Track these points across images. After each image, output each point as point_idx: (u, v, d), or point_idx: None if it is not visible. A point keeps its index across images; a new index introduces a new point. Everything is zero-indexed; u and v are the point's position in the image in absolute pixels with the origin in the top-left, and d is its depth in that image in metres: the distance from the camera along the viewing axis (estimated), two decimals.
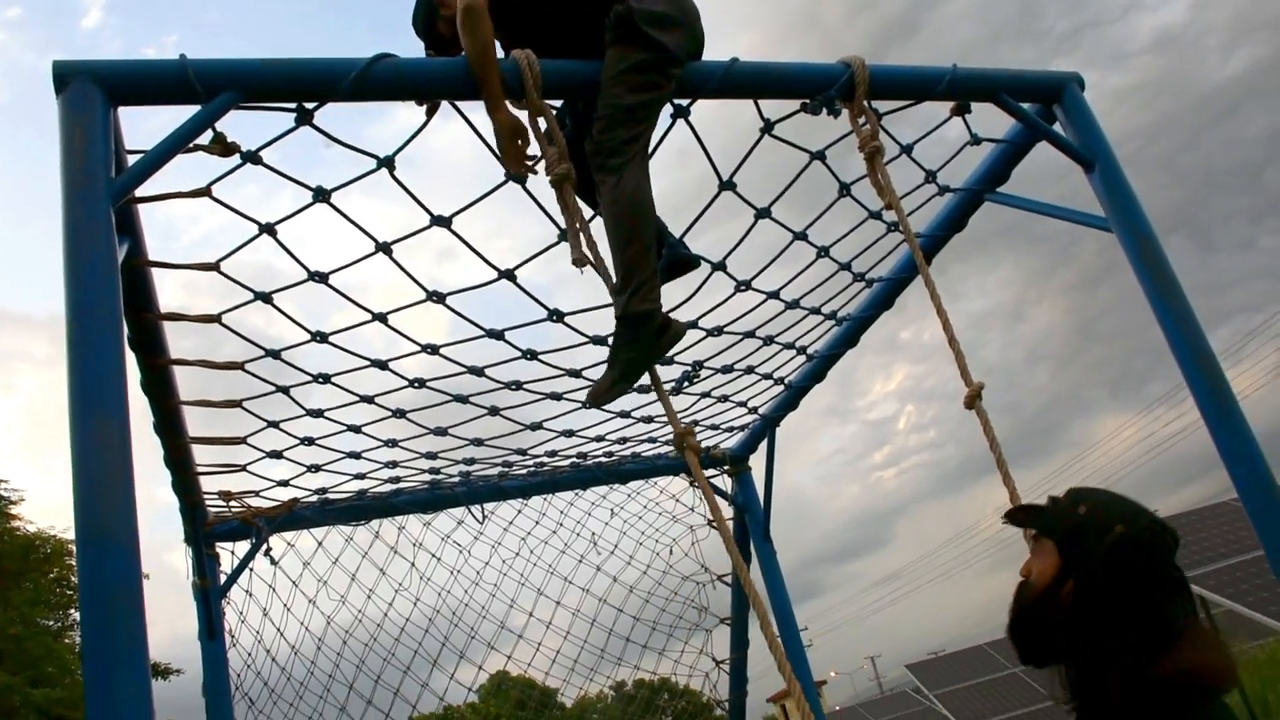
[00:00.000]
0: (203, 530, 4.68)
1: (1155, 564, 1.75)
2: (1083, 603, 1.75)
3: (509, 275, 3.40)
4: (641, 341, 2.96)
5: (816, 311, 4.44)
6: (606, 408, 4.59)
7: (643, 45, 2.89)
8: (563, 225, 3.13)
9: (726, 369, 4.63)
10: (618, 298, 2.96)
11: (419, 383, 3.92)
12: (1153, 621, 1.69)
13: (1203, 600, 9.24)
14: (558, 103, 3.18)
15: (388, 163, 2.91)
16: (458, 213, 3.13)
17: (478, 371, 3.93)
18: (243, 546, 4.94)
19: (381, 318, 3.45)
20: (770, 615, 2.44)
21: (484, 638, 5.73)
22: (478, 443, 4.69)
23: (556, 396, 4.34)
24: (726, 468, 6.10)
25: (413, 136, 2.96)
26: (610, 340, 3.24)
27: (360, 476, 4.80)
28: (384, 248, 3.14)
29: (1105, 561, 1.74)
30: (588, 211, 3.18)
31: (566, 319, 3.70)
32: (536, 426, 4.64)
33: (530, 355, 3.87)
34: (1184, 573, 1.79)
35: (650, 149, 3.04)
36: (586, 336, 3.83)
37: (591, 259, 2.97)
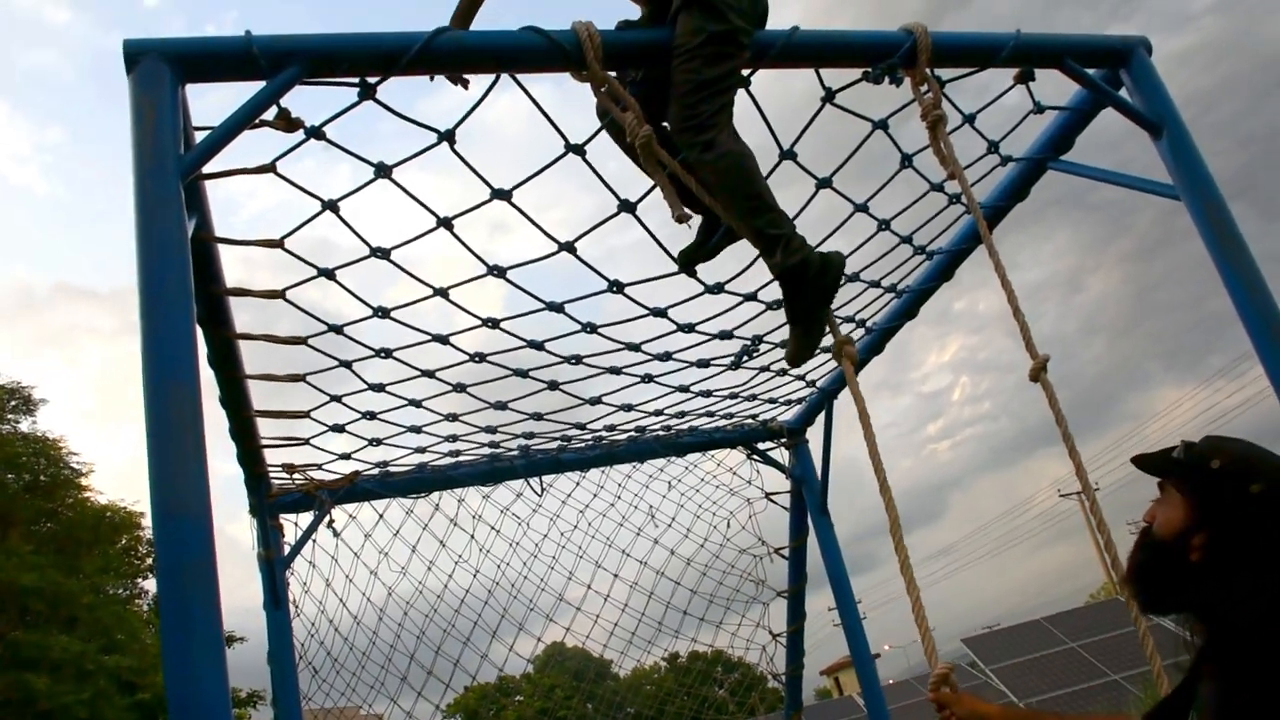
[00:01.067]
0: (267, 502, 4.77)
1: None
2: (1217, 557, 1.71)
3: (569, 247, 3.40)
4: (811, 288, 3.02)
5: (876, 285, 4.40)
6: (665, 380, 4.61)
7: (716, 15, 2.86)
8: (622, 196, 3.13)
9: (784, 344, 4.60)
10: (769, 260, 3.01)
11: (479, 357, 3.94)
12: None
13: None
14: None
15: (448, 136, 2.91)
16: (517, 186, 3.12)
17: (537, 345, 3.94)
18: (306, 518, 5.03)
19: (443, 293, 3.46)
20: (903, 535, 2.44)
21: (541, 609, 5.79)
22: (537, 417, 4.72)
23: (616, 371, 4.35)
24: (784, 440, 6.07)
25: (474, 108, 2.95)
26: (783, 306, 3.28)
27: (421, 450, 4.86)
28: (445, 223, 3.15)
29: (1242, 517, 1.69)
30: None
31: (626, 289, 3.69)
32: (596, 401, 4.66)
33: (590, 328, 3.87)
34: None
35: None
36: (646, 308, 3.82)
37: (691, 213, 3.00)
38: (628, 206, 3.26)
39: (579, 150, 3.08)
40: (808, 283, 2.99)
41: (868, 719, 5.90)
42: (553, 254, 3.41)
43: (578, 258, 3.44)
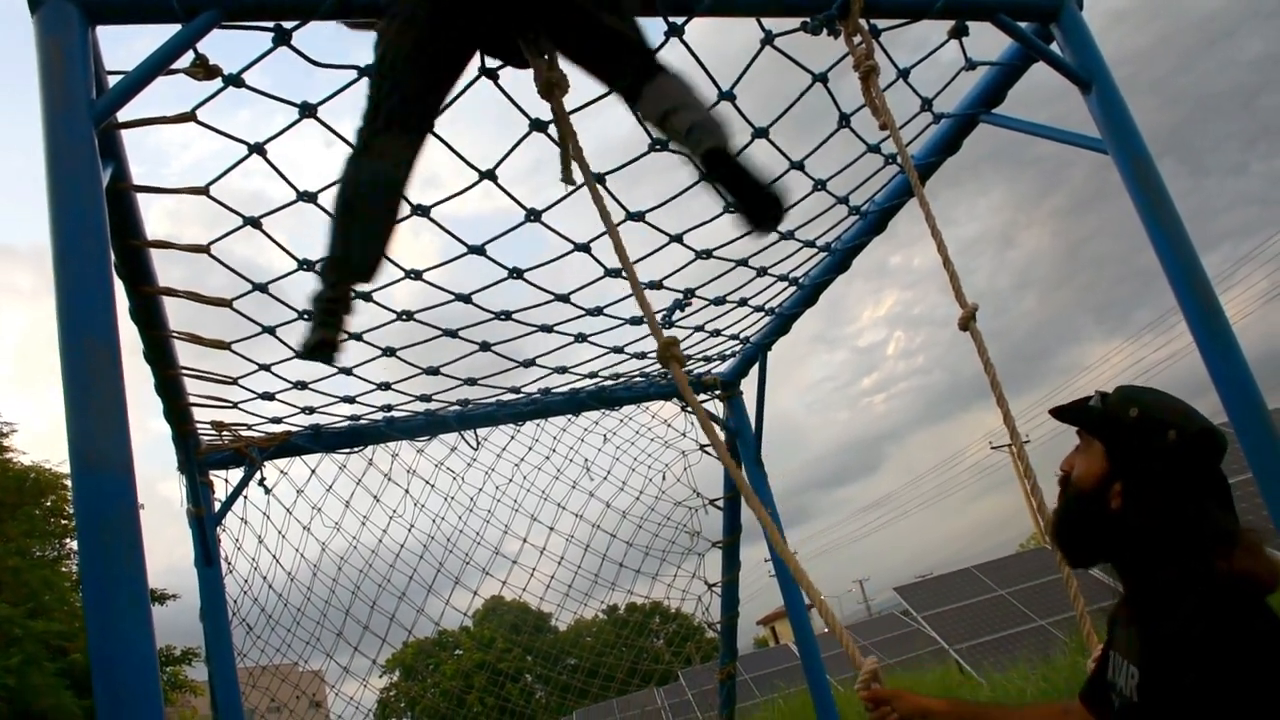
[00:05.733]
0: (195, 458, 4.68)
1: (1206, 470, 1.74)
2: (1134, 505, 1.74)
3: (490, 175, 3.35)
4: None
5: (811, 244, 4.43)
6: (599, 341, 4.57)
7: None
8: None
9: (719, 300, 4.61)
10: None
11: (407, 315, 3.88)
12: (1207, 526, 1.68)
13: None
14: None
15: (369, 72, 2.86)
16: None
17: (465, 298, 3.89)
18: (236, 474, 4.95)
19: None
20: (778, 532, 2.44)
21: (478, 563, 5.78)
22: (471, 382, 4.68)
23: (548, 329, 4.32)
24: (718, 392, 6.11)
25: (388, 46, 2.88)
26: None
27: (352, 402, 4.79)
28: None
29: (1158, 466, 1.72)
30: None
31: (544, 217, 3.62)
32: (530, 363, 4.62)
33: (516, 273, 3.83)
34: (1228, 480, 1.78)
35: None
36: (572, 243, 3.78)
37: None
38: (539, 126, 3.20)
39: (492, 74, 3.00)
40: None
41: (802, 667, 6.00)
42: (473, 185, 3.35)
43: (498, 185, 3.38)
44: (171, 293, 3.31)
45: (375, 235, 2.64)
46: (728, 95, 3.38)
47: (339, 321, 2.64)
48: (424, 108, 2.69)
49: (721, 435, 6.06)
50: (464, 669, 37.62)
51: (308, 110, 2.88)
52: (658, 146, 3.36)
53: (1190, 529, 1.68)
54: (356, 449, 5.23)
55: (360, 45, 2.80)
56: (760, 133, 3.57)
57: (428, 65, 2.63)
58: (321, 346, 2.60)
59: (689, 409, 6.00)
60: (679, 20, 3.07)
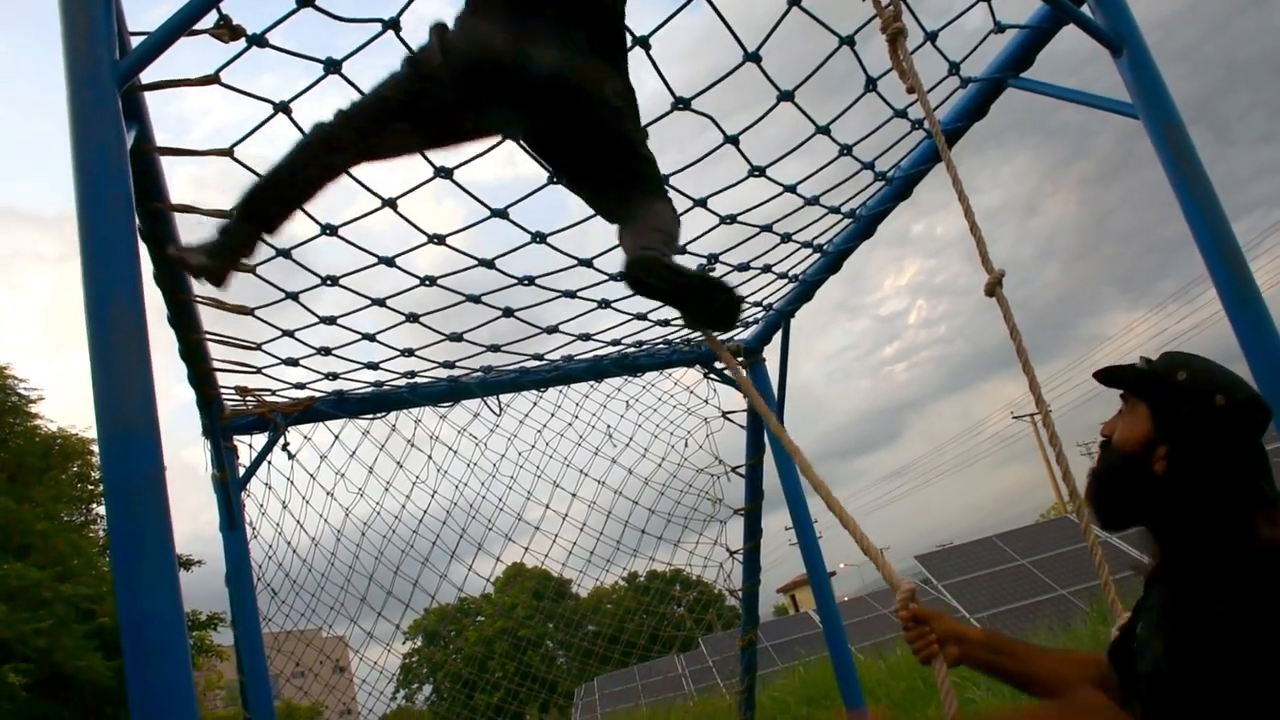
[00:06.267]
0: (220, 423, 4.71)
1: (1251, 437, 1.73)
2: (1178, 470, 1.73)
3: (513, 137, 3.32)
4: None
5: (835, 210, 4.39)
6: (621, 308, 4.56)
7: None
8: None
9: (743, 266, 4.58)
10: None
11: (429, 280, 3.88)
12: (1249, 493, 1.68)
13: None
14: None
15: (393, 24, 2.85)
16: None
17: (488, 264, 3.88)
18: (260, 439, 4.98)
19: (391, 203, 3.40)
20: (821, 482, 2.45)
21: (500, 530, 5.81)
22: (494, 349, 4.68)
23: (571, 294, 4.30)
24: (741, 359, 6.09)
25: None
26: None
27: (375, 368, 4.81)
28: None
29: (1205, 431, 1.72)
30: None
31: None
32: (553, 330, 4.61)
33: (539, 238, 3.81)
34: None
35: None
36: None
37: None
38: None
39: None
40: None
41: (823, 634, 6.02)
42: (496, 145, 3.33)
43: (522, 147, 3.35)
44: None
45: (289, 197, 2.74)
46: (753, 57, 3.35)
47: (230, 257, 2.71)
48: (399, 144, 2.74)
49: (745, 402, 6.05)
50: (486, 635, 37.99)
51: (333, 66, 2.87)
52: (680, 105, 3.33)
53: (1234, 495, 1.67)
54: (380, 415, 5.25)
55: (387, 6, 2.80)
56: (786, 95, 3.53)
57: (416, 115, 2.65)
58: (203, 272, 2.69)
59: (711, 376, 6.00)
60: None
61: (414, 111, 2.60)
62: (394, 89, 2.59)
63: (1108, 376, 1.92)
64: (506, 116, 2.75)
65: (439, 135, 2.77)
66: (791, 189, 4.00)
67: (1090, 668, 2.00)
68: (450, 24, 2.61)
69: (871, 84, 3.64)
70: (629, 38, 2.92)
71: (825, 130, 3.76)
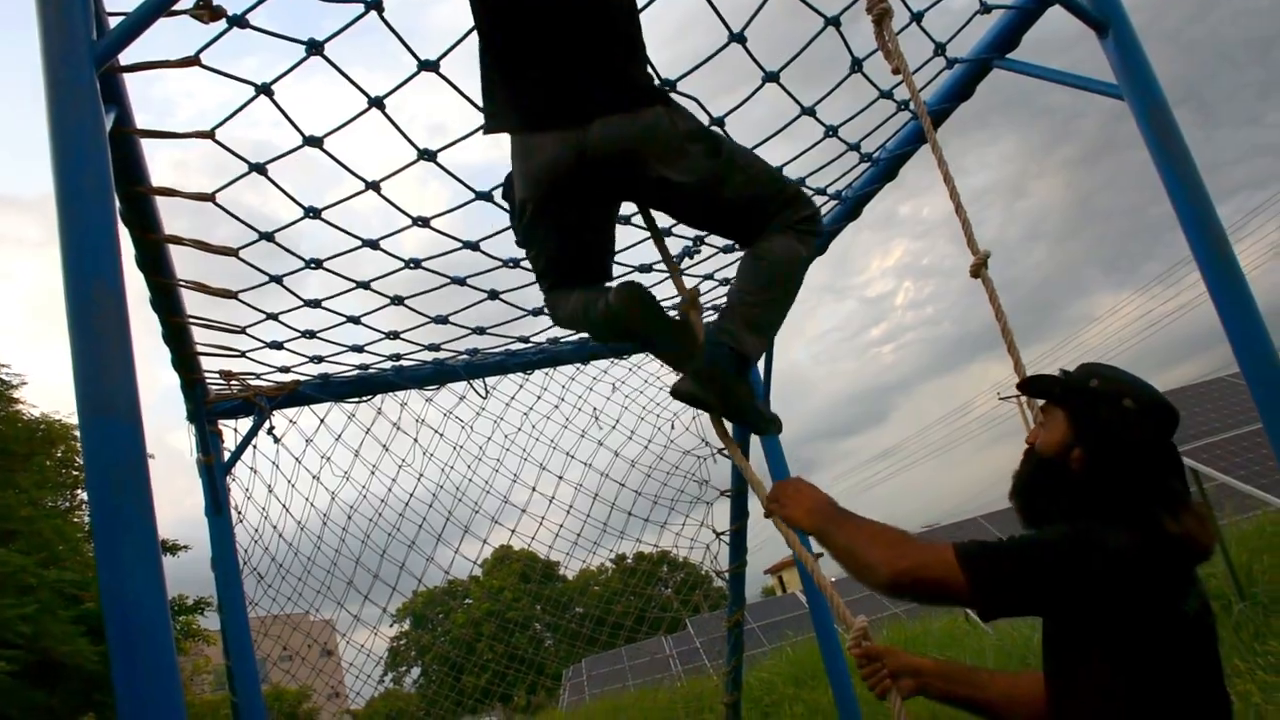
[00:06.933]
0: (204, 407, 4.69)
1: (1160, 437, 1.87)
2: (1092, 470, 1.87)
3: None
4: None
5: (821, 192, 4.38)
6: None
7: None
8: None
9: (728, 249, 4.57)
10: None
11: (414, 263, 3.87)
12: (1158, 490, 1.82)
13: (1195, 473, 9.42)
14: None
15: (375, 5, 2.83)
16: (443, 55, 3.06)
17: (473, 246, 3.87)
18: (245, 423, 4.95)
19: (375, 186, 3.38)
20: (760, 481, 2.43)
21: (487, 513, 5.80)
22: (480, 331, 4.67)
23: None
24: None
25: None
26: None
27: (360, 351, 4.79)
28: (377, 103, 3.09)
29: (1115, 432, 1.85)
30: None
31: None
32: (538, 312, 4.60)
33: None
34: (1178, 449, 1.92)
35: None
36: None
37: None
38: None
39: None
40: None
41: (809, 615, 6.05)
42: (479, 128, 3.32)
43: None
44: (178, 240, 3.29)
45: (663, 330, 2.61)
46: (738, 37, 3.34)
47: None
48: (578, 263, 2.75)
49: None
50: (474, 617, 38.03)
51: (315, 47, 2.85)
52: (665, 88, 3.32)
53: (1143, 492, 1.81)
54: (365, 398, 5.23)
55: None
56: (771, 76, 3.52)
57: (556, 231, 2.65)
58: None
59: None
60: None
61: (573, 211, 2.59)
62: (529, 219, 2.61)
63: (1029, 386, 2.11)
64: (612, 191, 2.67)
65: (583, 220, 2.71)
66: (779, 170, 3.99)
67: (1040, 685, 2.06)
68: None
69: (857, 65, 3.64)
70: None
71: (810, 112, 3.76)
